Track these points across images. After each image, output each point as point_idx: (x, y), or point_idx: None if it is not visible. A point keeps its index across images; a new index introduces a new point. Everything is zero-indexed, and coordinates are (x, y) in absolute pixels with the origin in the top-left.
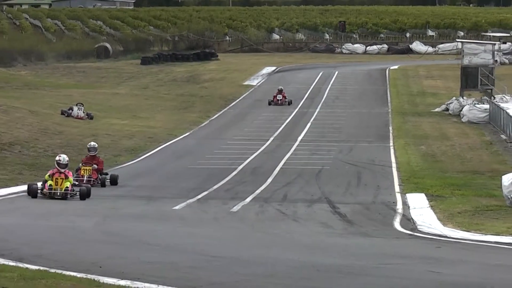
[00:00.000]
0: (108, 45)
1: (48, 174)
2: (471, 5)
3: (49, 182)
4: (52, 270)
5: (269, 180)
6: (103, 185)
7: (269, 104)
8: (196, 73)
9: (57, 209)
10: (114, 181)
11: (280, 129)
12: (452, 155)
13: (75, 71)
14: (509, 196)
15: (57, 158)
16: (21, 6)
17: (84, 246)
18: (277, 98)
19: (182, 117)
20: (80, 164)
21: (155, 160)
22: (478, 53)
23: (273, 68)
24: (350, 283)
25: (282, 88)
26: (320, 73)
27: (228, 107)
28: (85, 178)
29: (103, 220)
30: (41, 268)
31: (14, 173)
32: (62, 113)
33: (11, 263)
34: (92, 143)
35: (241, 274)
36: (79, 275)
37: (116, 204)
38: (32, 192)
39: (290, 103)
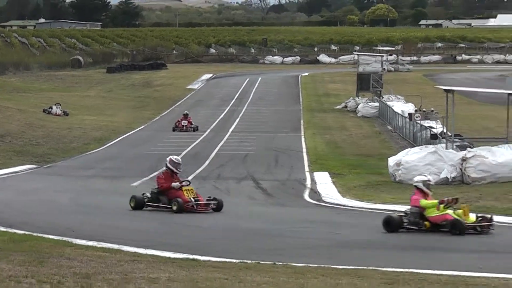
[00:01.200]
0: (80, 58)
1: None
2: (365, 25)
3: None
4: (35, 234)
5: (207, 162)
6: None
7: (173, 130)
8: (150, 80)
9: (41, 187)
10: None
11: (216, 122)
12: (350, 142)
13: (54, 78)
14: (393, 174)
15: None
16: (11, 27)
17: (61, 215)
18: (182, 124)
19: (139, 114)
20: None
21: (117, 148)
22: (370, 63)
23: (210, 75)
24: (270, 242)
25: (188, 113)
26: (247, 79)
27: (175, 106)
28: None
29: (76, 195)
30: (26, 232)
31: (5, 158)
32: (44, 111)
33: (2, 229)
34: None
35: (186, 236)
36: (56, 237)
37: (87, 183)
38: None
39: (196, 129)
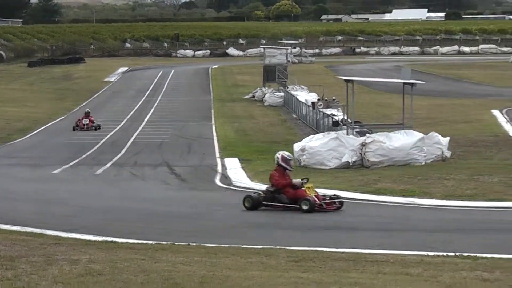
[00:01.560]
0: (2, 53)
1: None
2: (270, 21)
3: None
4: None
5: (124, 150)
6: None
7: (74, 129)
8: (69, 73)
9: None
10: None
11: (132, 112)
12: (257, 130)
13: None
14: (298, 159)
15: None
16: None
17: None
18: (83, 122)
19: (59, 105)
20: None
21: (39, 137)
22: (276, 55)
23: (126, 68)
24: (185, 225)
25: (89, 111)
26: (161, 72)
27: (93, 97)
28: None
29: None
30: None
31: None
32: None
33: None
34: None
35: (104, 219)
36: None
37: (10, 171)
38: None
39: (98, 127)
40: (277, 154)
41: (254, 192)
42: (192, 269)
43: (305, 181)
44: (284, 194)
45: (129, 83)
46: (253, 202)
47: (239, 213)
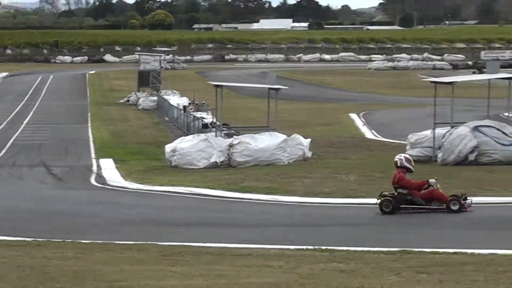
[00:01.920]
0: None
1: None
2: (145, 29)
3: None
4: None
5: (3, 151)
6: None
7: None
8: None
9: None
10: None
11: (11, 115)
12: (131, 132)
13: None
14: (170, 159)
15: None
16: None
17: None
18: None
19: None
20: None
21: None
22: (150, 62)
23: (7, 73)
24: (61, 222)
25: None
26: (40, 77)
27: None
28: None
29: None
30: None
31: None
32: None
33: None
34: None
35: None
36: None
37: None
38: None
39: None
40: (398, 157)
41: (388, 196)
42: (67, 264)
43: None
44: (415, 195)
45: (9, 87)
46: (393, 206)
47: (113, 210)
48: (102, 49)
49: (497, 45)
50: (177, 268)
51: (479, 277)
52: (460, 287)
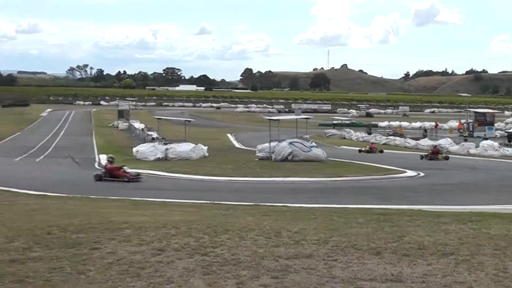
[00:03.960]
0: None
1: None
2: (120, 88)
3: None
4: None
5: (49, 150)
6: None
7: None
8: (22, 111)
9: None
10: None
11: (53, 132)
12: (115, 141)
13: None
14: (135, 155)
15: None
16: None
17: None
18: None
19: (17, 127)
20: None
21: (6, 143)
22: (124, 105)
23: (50, 109)
24: (82, 186)
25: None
26: (67, 112)
27: (33, 123)
28: None
29: None
30: None
31: None
32: None
33: None
34: None
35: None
36: None
37: None
38: None
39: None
40: None
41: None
42: (84, 209)
43: None
44: None
45: (51, 117)
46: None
47: (105, 181)
48: (99, 98)
49: (299, 101)
50: (139, 211)
51: (294, 218)
52: (284, 222)
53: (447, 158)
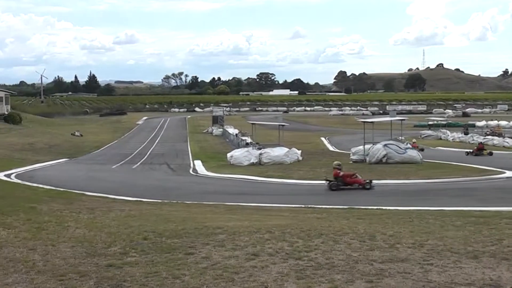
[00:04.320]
0: (88, 110)
1: None
2: (214, 94)
3: None
4: (69, 190)
5: (145, 157)
6: None
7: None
8: (119, 119)
9: (71, 168)
10: None
11: (149, 139)
12: (209, 146)
13: (74, 120)
14: (229, 161)
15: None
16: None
17: (80, 181)
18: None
19: (114, 135)
20: None
21: (105, 150)
22: (218, 111)
23: (146, 117)
24: (177, 192)
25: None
26: (163, 119)
27: (130, 131)
28: None
29: (86, 172)
30: (64, 189)
31: (54, 155)
32: (72, 134)
33: (53, 188)
34: None
35: (137, 190)
36: (77, 191)
37: (90, 167)
38: None
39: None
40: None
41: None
42: (178, 213)
43: None
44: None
45: (147, 124)
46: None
47: (200, 187)
48: (193, 105)
49: (393, 102)
50: (233, 216)
51: (389, 221)
52: (379, 226)
53: (491, 154)
